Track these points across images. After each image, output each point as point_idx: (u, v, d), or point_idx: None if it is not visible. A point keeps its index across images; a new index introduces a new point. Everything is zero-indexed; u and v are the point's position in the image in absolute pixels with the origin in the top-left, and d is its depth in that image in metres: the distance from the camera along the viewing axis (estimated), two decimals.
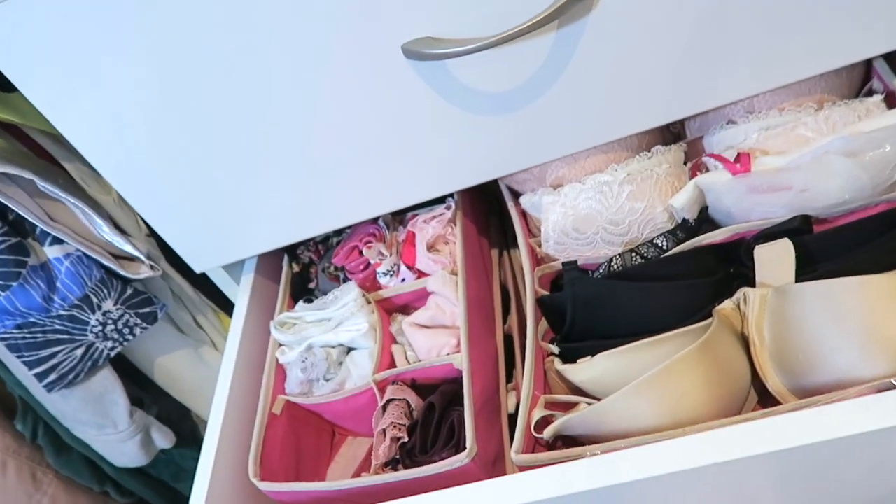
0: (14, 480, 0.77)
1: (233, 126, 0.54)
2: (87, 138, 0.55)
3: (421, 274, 0.66)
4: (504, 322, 0.71)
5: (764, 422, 0.39)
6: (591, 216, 0.58)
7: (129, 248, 0.65)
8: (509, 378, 0.68)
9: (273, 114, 0.54)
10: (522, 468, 0.47)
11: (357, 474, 0.66)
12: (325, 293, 0.68)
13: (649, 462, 0.39)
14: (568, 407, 0.54)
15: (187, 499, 0.96)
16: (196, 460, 0.89)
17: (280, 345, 0.65)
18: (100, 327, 0.65)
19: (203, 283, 0.80)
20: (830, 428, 0.37)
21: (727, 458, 0.38)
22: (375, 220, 0.69)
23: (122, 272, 0.65)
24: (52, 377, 0.65)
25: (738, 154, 0.56)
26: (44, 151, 0.65)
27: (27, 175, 0.57)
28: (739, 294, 0.52)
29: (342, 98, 0.53)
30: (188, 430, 0.90)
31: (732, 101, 0.57)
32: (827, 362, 0.45)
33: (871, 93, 0.58)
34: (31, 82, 0.50)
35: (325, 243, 0.74)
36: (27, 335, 0.62)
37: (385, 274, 0.65)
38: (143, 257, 0.66)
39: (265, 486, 0.55)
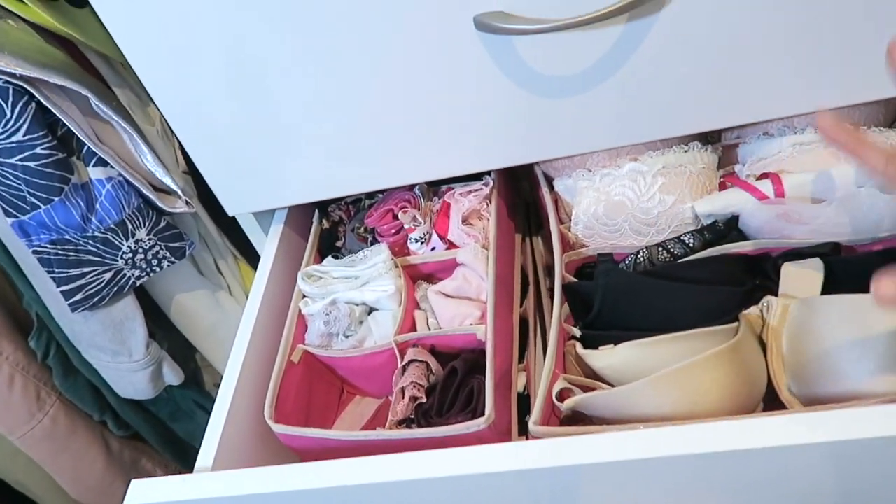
0: (19, 396, 0.77)
1: (293, 74, 0.55)
2: (147, 61, 0.55)
3: (451, 245, 0.67)
4: (520, 305, 0.72)
5: (784, 417, 0.40)
6: (622, 203, 0.59)
7: (168, 181, 0.66)
8: (520, 360, 0.69)
9: (335, 64, 0.54)
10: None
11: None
12: (352, 252, 0.69)
13: (680, 440, 0.40)
14: (584, 390, 0.56)
15: (181, 439, 0.98)
16: (195, 402, 0.91)
17: (304, 296, 0.66)
18: (130, 254, 0.66)
19: (228, 230, 0.81)
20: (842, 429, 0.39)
21: (738, 448, 0.39)
22: (411, 187, 0.70)
23: (159, 203, 0.65)
24: (79, 297, 0.65)
25: (769, 174, 0.57)
26: (97, 74, 0.65)
27: (83, 91, 0.57)
28: (763, 302, 0.54)
29: (405, 60, 0.53)
30: (190, 371, 0.90)
31: (779, 117, 0.58)
32: (843, 373, 0.47)
33: None
34: None
35: (356, 205, 0.75)
36: (60, 252, 0.63)
37: (417, 240, 0.66)
38: (180, 192, 0.67)
39: (280, 429, 0.56)
